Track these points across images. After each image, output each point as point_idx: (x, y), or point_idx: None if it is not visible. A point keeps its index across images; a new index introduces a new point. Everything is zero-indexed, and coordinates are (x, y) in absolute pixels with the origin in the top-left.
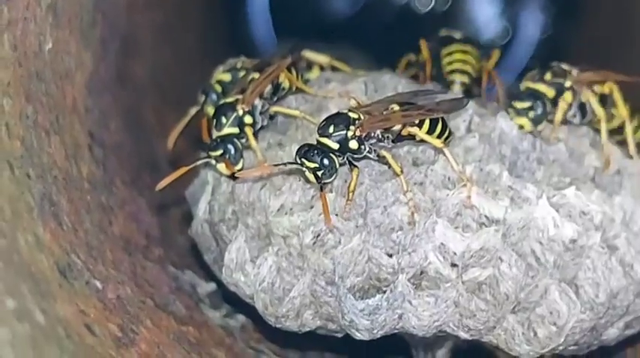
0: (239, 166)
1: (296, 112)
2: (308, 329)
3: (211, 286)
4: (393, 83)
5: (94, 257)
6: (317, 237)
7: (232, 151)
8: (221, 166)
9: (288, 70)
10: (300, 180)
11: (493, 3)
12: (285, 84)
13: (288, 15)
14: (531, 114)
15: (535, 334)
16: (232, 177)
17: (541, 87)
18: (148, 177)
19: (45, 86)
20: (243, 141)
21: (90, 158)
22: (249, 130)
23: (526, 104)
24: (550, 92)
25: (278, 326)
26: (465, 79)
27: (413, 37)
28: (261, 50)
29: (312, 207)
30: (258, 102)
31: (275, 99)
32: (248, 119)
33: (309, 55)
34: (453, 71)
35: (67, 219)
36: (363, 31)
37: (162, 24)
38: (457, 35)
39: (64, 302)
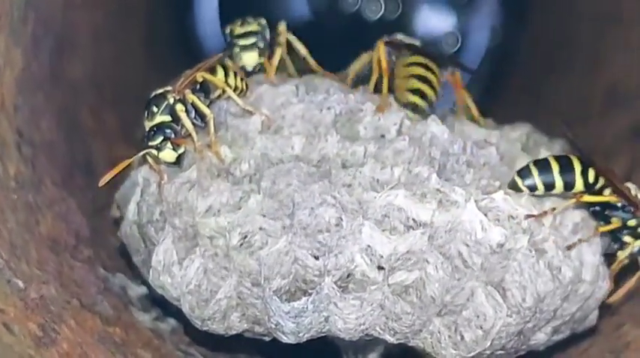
0: (182, 150)
1: (221, 83)
2: (235, 332)
3: (142, 289)
4: (325, 86)
5: (18, 256)
6: (244, 238)
7: (172, 135)
8: (164, 154)
9: (224, 68)
10: (228, 182)
11: (442, 11)
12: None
13: (237, 18)
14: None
15: (462, 338)
16: (178, 161)
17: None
18: (81, 178)
19: None
20: (179, 128)
21: (18, 157)
22: (183, 115)
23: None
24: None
25: (204, 328)
26: (424, 106)
27: (362, 45)
28: (207, 53)
29: (239, 209)
30: (190, 95)
31: (208, 102)
32: (180, 107)
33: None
34: (413, 91)
35: None
36: (312, 38)
37: (102, 23)
38: (416, 43)
39: None
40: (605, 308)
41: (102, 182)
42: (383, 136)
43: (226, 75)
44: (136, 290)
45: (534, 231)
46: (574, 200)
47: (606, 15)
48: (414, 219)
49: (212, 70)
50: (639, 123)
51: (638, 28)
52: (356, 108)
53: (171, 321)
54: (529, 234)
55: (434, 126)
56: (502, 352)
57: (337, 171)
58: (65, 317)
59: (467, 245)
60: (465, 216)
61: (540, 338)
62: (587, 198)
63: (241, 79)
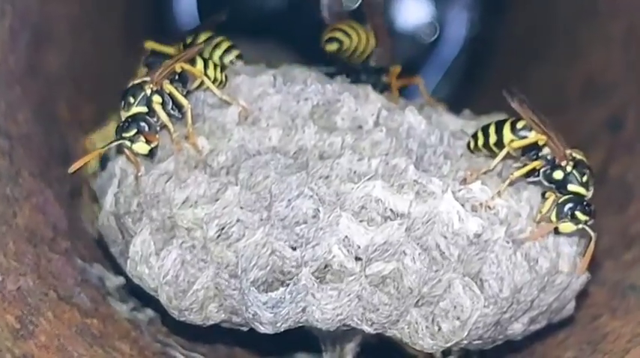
0: (155, 143)
1: (200, 73)
2: (212, 323)
3: (119, 280)
4: (303, 76)
5: None
6: (221, 229)
7: (146, 128)
8: (137, 146)
9: (204, 59)
10: (205, 173)
11: (421, 1)
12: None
13: (215, 9)
14: None
15: (439, 328)
16: (151, 154)
17: None
18: (58, 169)
19: None
20: (154, 119)
21: None
22: (158, 107)
23: None
24: None
25: (182, 319)
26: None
27: None
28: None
29: (217, 200)
30: (168, 85)
31: (185, 92)
32: (157, 98)
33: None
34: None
35: None
36: (290, 26)
37: (80, 15)
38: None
39: None
40: (582, 299)
41: (72, 169)
42: (360, 127)
43: (205, 66)
44: (114, 281)
45: (511, 222)
46: (507, 149)
47: (584, 7)
48: (391, 210)
49: (192, 61)
50: (616, 114)
51: (615, 21)
52: (333, 99)
53: (149, 311)
54: (506, 225)
55: (411, 117)
56: (479, 342)
57: (314, 163)
58: (43, 309)
59: (444, 236)
60: (443, 206)
61: (517, 328)
62: (517, 143)
63: (221, 71)
